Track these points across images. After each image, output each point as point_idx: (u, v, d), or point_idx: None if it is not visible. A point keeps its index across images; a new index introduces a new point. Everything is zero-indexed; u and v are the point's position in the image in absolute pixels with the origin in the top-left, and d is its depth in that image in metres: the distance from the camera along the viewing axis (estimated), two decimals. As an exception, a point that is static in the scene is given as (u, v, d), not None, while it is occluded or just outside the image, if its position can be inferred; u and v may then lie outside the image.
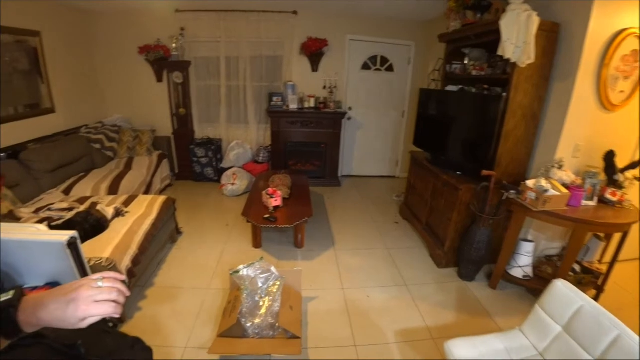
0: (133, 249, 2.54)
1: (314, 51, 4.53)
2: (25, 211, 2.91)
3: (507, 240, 2.66)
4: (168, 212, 3.24)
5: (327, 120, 4.61)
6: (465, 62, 3.35)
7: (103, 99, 4.90)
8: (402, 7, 4.12)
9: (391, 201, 4.58)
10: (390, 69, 4.97)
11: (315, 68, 4.76)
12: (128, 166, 4.18)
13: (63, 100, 4.14)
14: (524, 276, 2.70)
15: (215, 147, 4.78)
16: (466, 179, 2.88)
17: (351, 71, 4.86)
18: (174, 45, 4.48)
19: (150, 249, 2.81)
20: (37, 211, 2.93)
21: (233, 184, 4.42)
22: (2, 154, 3.35)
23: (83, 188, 3.52)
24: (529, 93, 2.56)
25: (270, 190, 3.14)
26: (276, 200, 3.10)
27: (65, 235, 1.83)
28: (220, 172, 4.74)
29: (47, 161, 3.52)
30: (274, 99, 4.66)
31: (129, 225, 2.72)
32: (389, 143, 5.33)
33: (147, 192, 4.16)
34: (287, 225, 2.90)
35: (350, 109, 5.02)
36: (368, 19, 4.63)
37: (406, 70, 4.97)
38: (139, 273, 2.62)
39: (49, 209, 2.93)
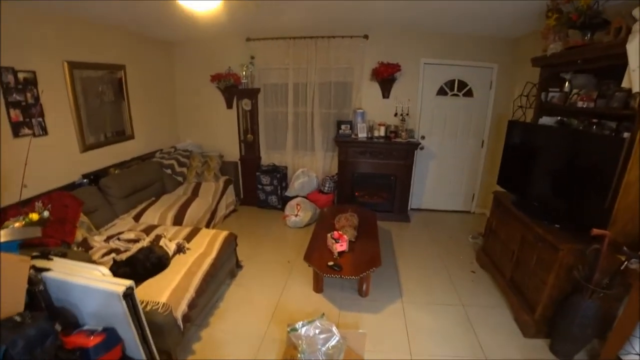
0: (190, 292, 2.42)
1: (386, 77, 4.26)
2: (97, 239, 2.97)
3: (623, 320, 2.05)
4: (229, 248, 3.13)
5: (398, 151, 4.26)
6: (566, 89, 2.82)
7: (177, 124, 5.11)
8: (484, 23, 3.66)
9: (466, 243, 4.02)
10: (468, 93, 4.50)
11: (386, 94, 4.47)
12: (195, 192, 4.22)
13: (141, 126, 4.35)
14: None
15: (280, 175, 4.68)
16: (567, 236, 2.32)
17: (425, 97, 4.49)
18: (243, 73, 4.52)
19: (208, 289, 2.68)
20: (107, 239, 2.98)
21: (296, 216, 4.23)
22: (84, 180, 3.53)
23: (151, 215, 3.57)
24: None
25: (336, 234, 2.86)
26: (342, 245, 2.81)
27: (122, 286, 1.75)
28: (285, 200, 4.61)
29: (122, 187, 3.65)
30: (342, 126, 4.44)
31: (187, 266, 2.62)
32: (465, 175, 4.79)
33: (211, 218, 4.16)
34: (353, 277, 2.58)
35: (423, 137, 4.61)
36: (444, 39, 4.24)
37: (487, 95, 4.45)
38: (195, 315, 2.49)
39: (118, 238, 2.97)
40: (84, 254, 2.71)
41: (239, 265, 3.41)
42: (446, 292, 3.08)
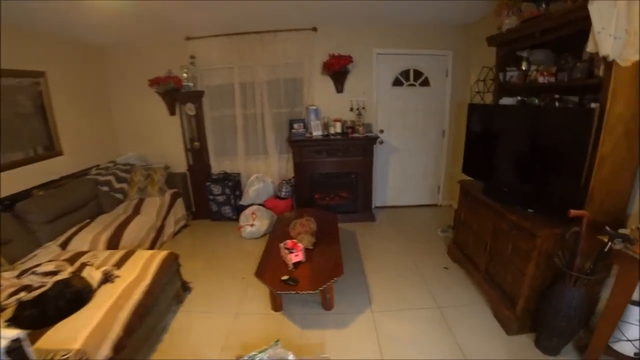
0: (116, 330, 2.02)
1: (338, 69, 4.01)
2: (7, 276, 2.49)
3: (611, 304, 1.88)
4: (169, 270, 2.74)
5: (356, 147, 4.01)
6: (524, 67, 2.69)
7: (115, 136, 4.64)
8: (435, 10, 3.50)
9: (436, 237, 3.84)
10: (425, 83, 4.33)
11: (340, 89, 4.22)
12: (137, 210, 3.79)
13: (72, 140, 3.89)
14: (636, 354, 1.90)
15: (232, 183, 4.32)
16: (543, 221, 2.15)
17: (381, 89, 4.28)
18: (184, 75, 4.14)
19: (144, 323, 2.30)
20: (20, 275, 2.51)
21: (252, 225, 3.89)
22: (-6, 207, 3.03)
23: (81, 241, 3.12)
24: (633, 101, 1.83)
25: (289, 243, 2.56)
26: (297, 256, 2.51)
27: (5, 339, 1.38)
28: (240, 210, 4.25)
29: (44, 211, 3.18)
30: (295, 126, 4.15)
31: (114, 298, 2.22)
32: (428, 167, 4.62)
33: (157, 237, 3.74)
34: (310, 292, 2.27)
35: (382, 131, 4.41)
36: (396, 28, 4.06)
37: (444, 83, 4.31)
38: (128, 357, 2.10)
39: (34, 272, 2.51)
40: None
41: (186, 288, 3.03)
42: (419, 294, 2.84)
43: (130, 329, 2.12)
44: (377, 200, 4.68)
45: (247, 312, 2.69)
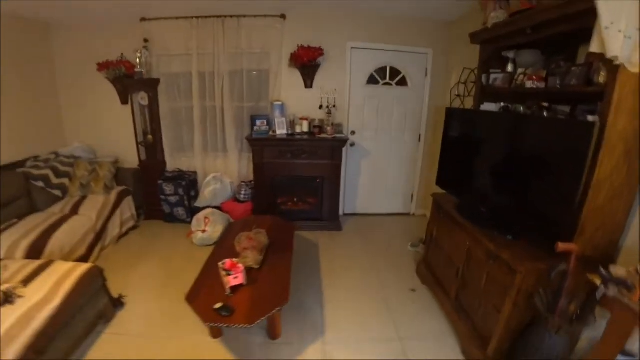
0: None
1: (307, 62, 3.64)
2: None
3: (598, 355, 1.59)
4: (91, 287, 2.35)
5: (323, 149, 3.66)
6: (510, 69, 2.38)
7: (61, 125, 4.15)
8: (416, 3, 3.19)
9: (405, 252, 3.53)
10: (402, 82, 4.01)
11: (309, 84, 3.85)
12: (75, 209, 3.36)
13: (7, 126, 3.41)
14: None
15: (187, 182, 3.91)
16: (525, 251, 1.85)
17: (354, 86, 3.93)
18: (137, 60, 3.69)
19: (46, 355, 1.91)
20: None
21: (204, 231, 3.50)
22: None
23: (9, 239, 2.69)
24: (635, 116, 1.53)
25: (227, 263, 2.18)
26: (236, 278, 2.14)
27: None
28: (194, 211, 3.85)
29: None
30: (258, 122, 3.76)
31: (8, 325, 1.83)
32: (402, 174, 4.31)
33: (96, 242, 3.33)
34: (246, 325, 1.90)
35: (353, 133, 4.07)
36: (373, 20, 3.70)
37: (423, 84, 3.99)
38: None
39: None
40: None
41: (117, 304, 2.64)
42: (381, 321, 2.52)
43: (27, 361, 1.75)
44: (347, 207, 4.36)
45: (182, 337, 2.34)
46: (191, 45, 3.70)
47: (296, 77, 3.83)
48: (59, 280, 2.22)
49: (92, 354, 2.22)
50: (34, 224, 2.98)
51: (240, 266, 2.19)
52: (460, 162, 2.64)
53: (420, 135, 4.17)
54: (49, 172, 3.54)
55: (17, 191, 3.26)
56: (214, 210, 3.72)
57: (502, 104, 2.43)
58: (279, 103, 3.75)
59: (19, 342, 1.80)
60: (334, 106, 3.87)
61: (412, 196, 4.41)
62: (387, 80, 3.98)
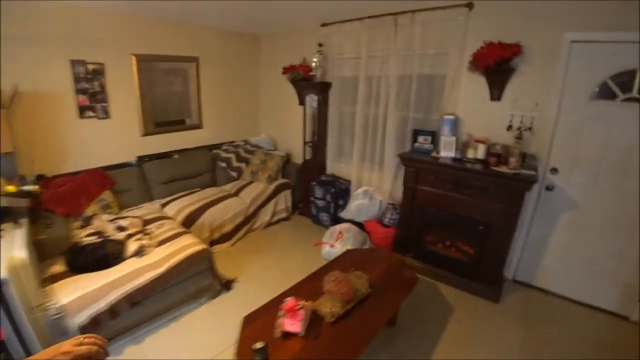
0: (101, 305, 2.09)
1: (492, 65, 2.67)
2: (104, 218, 2.92)
3: None
4: (197, 266, 2.57)
5: (497, 187, 2.61)
6: None
7: (258, 118, 4.89)
8: None
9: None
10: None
11: (496, 95, 2.83)
12: (238, 191, 3.83)
13: (212, 117, 4.34)
14: None
15: (337, 190, 3.75)
16: None
17: (568, 102, 2.57)
18: (313, 64, 3.80)
19: (140, 307, 2.30)
20: (112, 220, 2.86)
21: (332, 246, 3.24)
22: (133, 162, 3.62)
23: (174, 206, 3.39)
24: None
25: (289, 304, 1.79)
26: (292, 325, 1.74)
27: None
28: (338, 220, 3.67)
29: (159, 173, 3.64)
30: (420, 138, 3.12)
31: (122, 273, 2.26)
32: (628, 251, 2.54)
33: (244, 224, 3.73)
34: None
35: (554, 171, 2.72)
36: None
37: None
38: (110, 327, 2.18)
39: (114, 222, 2.81)
40: (64, 228, 2.68)
41: (224, 287, 2.81)
42: None
43: (116, 308, 2.14)
44: (520, 272, 3.01)
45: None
46: (361, 47, 3.45)
47: (479, 85, 2.89)
48: (175, 252, 2.52)
49: (190, 317, 2.53)
50: (203, 196, 3.58)
51: (301, 314, 1.77)
52: None
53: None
54: (232, 155, 4.21)
55: (206, 167, 4.03)
56: (352, 226, 3.39)
57: None
58: (451, 117, 2.94)
59: (122, 289, 2.17)
60: (530, 128, 2.70)
61: (634, 290, 2.57)
62: (635, 93, 2.40)
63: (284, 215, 4.14)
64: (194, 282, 2.58)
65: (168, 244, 2.61)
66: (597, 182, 2.58)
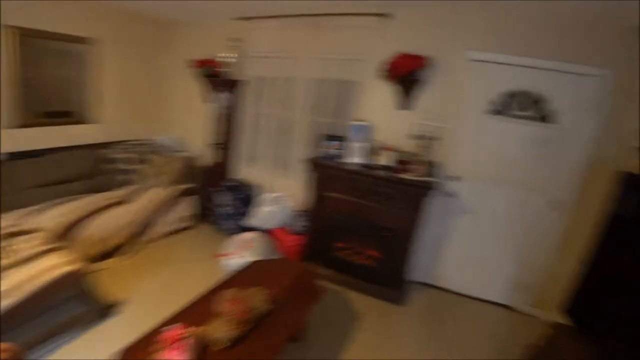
0: None
1: (405, 75, 2.75)
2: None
3: None
4: (68, 290, 2.12)
5: (402, 193, 2.68)
6: None
7: (161, 115, 4.37)
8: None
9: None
10: (547, 118, 2.64)
11: (406, 104, 2.92)
12: (134, 197, 3.35)
13: (112, 111, 3.75)
14: None
15: (245, 196, 3.52)
16: None
17: (470, 115, 2.79)
18: (228, 60, 3.53)
19: None
20: None
21: (237, 257, 2.99)
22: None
23: (49, 215, 2.80)
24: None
25: (171, 333, 1.52)
26: (177, 355, 1.47)
27: None
28: (245, 229, 3.42)
29: (32, 176, 2.99)
30: (330, 144, 3.06)
31: None
32: (516, 250, 2.87)
33: (140, 234, 3.26)
34: None
35: (455, 178, 2.91)
36: (511, 21, 2.55)
37: (583, 124, 2.54)
38: None
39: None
40: None
41: (105, 313, 2.36)
42: None
43: None
44: (422, 273, 3.15)
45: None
46: (278, 47, 3.31)
47: (391, 93, 2.95)
48: (35, 274, 2.02)
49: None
50: (90, 203, 3.03)
51: (186, 344, 1.51)
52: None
53: (560, 203, 2.68)
54: (130, 156, 3.69)
55: (89, 170, 3.42)
56: (260, 235, 3.19)
57: None
58: (361, 124, 2.95)
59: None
60: (436, 138, 2.84)
61: (522, 286, 2.89)
62: (524, 112, 2.67)
63: (187, 223, 3.76)
64: (67, 309, 2.12)
65: (30, 264, 2.10)
66: (493, 191, 2.83)
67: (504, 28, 2.58)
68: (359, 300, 2.83)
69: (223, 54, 3.57)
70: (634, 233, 1.43)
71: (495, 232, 2.89)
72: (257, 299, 1.91)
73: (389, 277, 2.87)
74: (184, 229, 3.72)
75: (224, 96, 3.62)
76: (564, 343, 1.58)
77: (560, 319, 1.69)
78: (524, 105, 2.67)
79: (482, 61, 2.66)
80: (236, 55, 3.50)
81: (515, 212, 2.80)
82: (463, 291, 3.09)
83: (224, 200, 3.55)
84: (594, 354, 1.43)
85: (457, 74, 2.74)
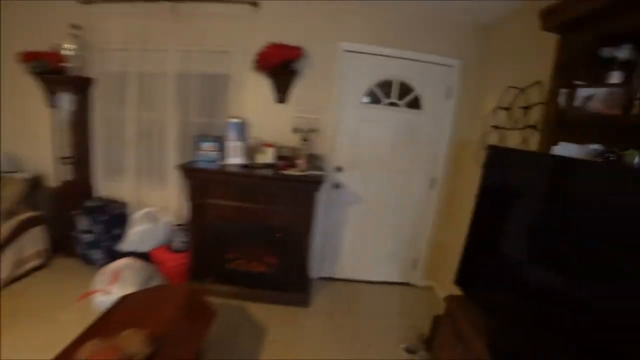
0: None
1: (278, 66, 2.61)
2: None
3: None
4: None
5: (289, 190, 2.55)
6: (617, 80, 1.23)
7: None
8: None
9: (396, 354, 2.28)
10: (414, 104, 2.85)
11: (281, 97, 2.81)
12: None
13: None
14: None
15: (110, 217, 2.95)
16: None
17: (345, 105, 2.83)
18: (67, 52, 2.86)
19: None
20: None
21: (107, 293, 2.45)
22: None
23: None
24: None
25: None
26: None
27: None
28: (117, 256, 2.84)
29: None
30: (205, 146, 2.73)
31: None
32: (404, 231, 3.07)
33: None
34: None
35: (339, 169, 2.93)
36: (377, 14, 2.65)
37: (443, 108, 2.81)
38: None
39: None
40: None
41: None
42: None
43: None
44: (324, 269, 3.14)
45: None
46: (135, 38, 2.82)
47: (265, 87, 2.80)
48: None
49: None
50: None
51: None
52: (511, 244, 1.45)
53: (433, 180, 2.94)
54: None
55: None
56: (132, 263, 2.68)
57: (598, 146, 1.28)
58: (237, 121, 2.72)
59: None
60: (315, 130, 2.78)
61: (415, 262, 3.13)
62: (393, 99, 2.83)
63: (36, 262, 2.97)
64: None
65: None
66: (374, 177, 2.93)
67: (375, 20, 2.68)
68: (262, 311, 2.61)
69: (63, 45, 2.89)
70: (500, 197, 1.59)
71: (382, 216, 3.02)
72: (132, 343, 1.53)
73: (289, 281, 2.72)
74: (36, 268, 2.94)
75: (67, 98, 2.95)
76: (457, 313, 1.67)
77: (454, 290, 1.85)
78: (394, 93, 2.81)
79: (355, 52, 2.70)
80: (80, 46, 2.87)
81: (397, 194, 2.97)
82: (363, 278, 3.16)
83: (84, 226, 2.91)
84: (481, 316, 1.55)
85: (331, 65, 2.73)
